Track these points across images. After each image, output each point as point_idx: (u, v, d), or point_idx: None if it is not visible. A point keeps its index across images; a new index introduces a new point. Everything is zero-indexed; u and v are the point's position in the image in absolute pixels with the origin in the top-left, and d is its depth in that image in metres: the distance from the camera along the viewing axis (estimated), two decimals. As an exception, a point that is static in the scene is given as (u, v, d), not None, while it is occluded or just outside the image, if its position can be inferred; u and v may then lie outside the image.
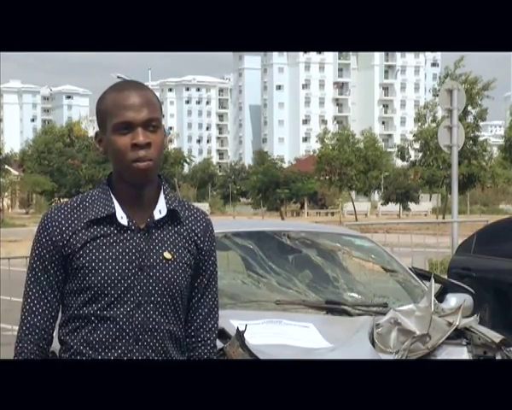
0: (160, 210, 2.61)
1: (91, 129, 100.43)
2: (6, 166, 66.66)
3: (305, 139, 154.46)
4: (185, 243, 2.63)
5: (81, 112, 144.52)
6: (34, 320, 2.60)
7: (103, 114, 2.58)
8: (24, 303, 2.63)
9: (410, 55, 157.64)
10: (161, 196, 2.63)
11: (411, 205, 61.41)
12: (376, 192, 70.63)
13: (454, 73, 42.13)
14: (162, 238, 2.60)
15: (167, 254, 2.59)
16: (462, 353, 5.08)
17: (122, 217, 2.57)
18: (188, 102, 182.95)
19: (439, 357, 5.01)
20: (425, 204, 64.29)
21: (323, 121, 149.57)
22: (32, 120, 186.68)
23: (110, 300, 2.54)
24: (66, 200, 2.80)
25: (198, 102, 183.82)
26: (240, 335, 4.64)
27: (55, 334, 2.65)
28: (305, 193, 63.18)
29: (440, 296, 5.85)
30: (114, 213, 2.57)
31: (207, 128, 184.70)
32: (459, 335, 5.16)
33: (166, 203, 2.62)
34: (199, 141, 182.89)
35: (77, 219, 2.58)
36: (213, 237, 2.72)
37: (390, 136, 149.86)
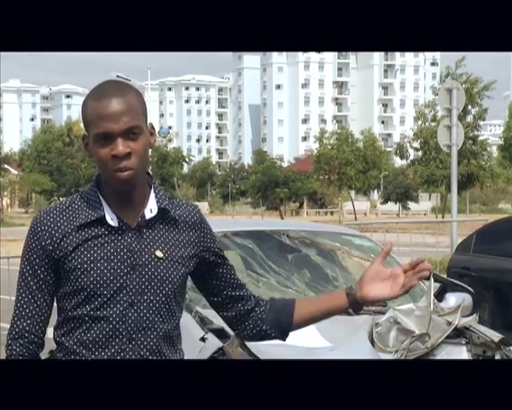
0: (151, 209, 2.61)
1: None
2: (5, 166, 66.67)
3: (305, 139, 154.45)
4: (176, 240, 2.63)
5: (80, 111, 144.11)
6: (23, 324, 2.60)
7: (85, 122, 2.58)
8: (14, 307, 2.64)
9: (409, 55, 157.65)
10: (152, 195, 2.63)
11: (411, 204, 61.47)
12: (376, 191, 70.67)
13: (455, 72, 42.16)
14: (154, 237, 2.60)
15: (159, 253, 2.58)
16: (461, 352, 5.09)
17: (112, 218, 2.57)
18: (187, 101, 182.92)
19: (438, 356, 5.02)
20: (424, 203, 64.33)
21: (323, 121, 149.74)
22: (32, 120, 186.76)
23: (103, 300, 2.54)
24: (60, 200, 2.82)
25: (197, 102, 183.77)
26: (239, 334, 4.64)
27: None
28: (305, 192, 63.22)
29: (440, 296, 5.85)
30: (104, 216, 2.57)
31: (207, 127, 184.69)
32: (458, 334, 5.17)
33: (157, 202, 2.62)
34: (198, 140, 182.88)
35: (66, 222, 2.58)
36: (209, 227, 2.73)
37: (389, 135, 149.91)
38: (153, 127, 2.64)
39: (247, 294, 2.79)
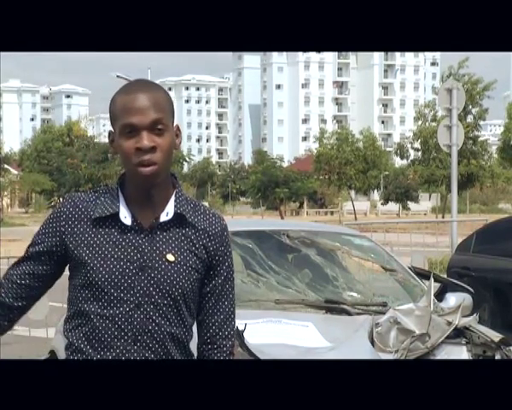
0: (168, 213, 2.60)
1: (91, 128, 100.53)
2: (5, 166, 66.61)
3: (305, 139, 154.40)
4: (192, 246, 2.61)
5: (80, 111, 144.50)
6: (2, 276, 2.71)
7: (113, 116, 2.59)
8: None
9: (409, 55, 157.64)
10: (172, 198, 2.62)
11: (411, 204, 61.45)
12: (376, 191, 70.65)
13: (458, 72, 42.21)
14: (167, 240, 2.58)
15: (170, 257, 2.57)
16: (461, 352, 5.09)
17: (126, 217, 2.58)
18: (187, 101, 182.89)
19: (438, 356, 5.02)
20: (424, 203, 64.31)
21: (323, 121, 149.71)
22: (32, 120, 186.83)
23: (110, 298, 2.55)
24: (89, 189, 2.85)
25: (197, 102, 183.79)
26: (239, 334, 4.64)
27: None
28: (305, 192, 63.16)
29: (440, 296, 5.85)
30: (118, 213, 2.58)
31: (207, 127, 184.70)
32: (458, 334, 5.17)
33: (175, 206, 2.61)
34: (198, 140, 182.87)
35: (85, 211, 2.60)
36: (228, 243, 2.69)
37: (389, 135, 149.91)
38: (179, 129, 2.64)
39: (222, 334, 2.69)
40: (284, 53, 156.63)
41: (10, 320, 2.70)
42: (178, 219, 2.61)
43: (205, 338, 2.69)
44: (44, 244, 2.64)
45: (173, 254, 2.58)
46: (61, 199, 66.16)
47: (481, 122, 48.13)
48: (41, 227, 2.67)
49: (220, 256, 2.67)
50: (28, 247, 2.69)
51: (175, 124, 2.62)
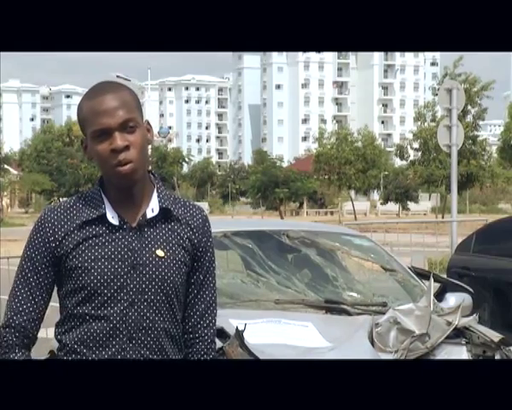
0: (153, 209, 2.62)
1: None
2: (5, 166, 66.62)
3: (305, 139, 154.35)
4: (179, 240, 2.63)
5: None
6: (20, 320, 2.60)
7: (82, 123, 2.60)
8: (11, 302, 2.63)
9: (409, 55, 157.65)
10: (154, 194, 2.64)
11: (411, 204, 61.47)
12: (376, 191, 70.62)
13: (453, 72, 42.18)
14: (155, 236, 2.61)
15: (160, 252, 2.59)
16: (461, 352, 5.09)
17: (113, 217, 2.59)
18: (187, 101, 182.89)
19: (438, 356, 5.02)
20: (424, 203, 64.32)
21: (323, 121, 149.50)
22: (32, 120, 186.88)
23: (103, 299, 2.55)
24: (64, 199, 2.81)
25: (197, 102, 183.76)
26: (239, 334, 4.64)
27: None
28: (305, 192, 63.15)
29: (440, 296, 5.85)
30: (105, 214, 2.59)
31: (207, 127, 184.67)
32: (458, 334, 5.17)
33: (159, 202, 2.63)
34: (198, 140, 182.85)
35: (70, 221, 2.60)
36: (210, 233, 2.72)
37: (389, 135, 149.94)
38: (149, 124, 2.66)
39: (204, 322, 2.71)
40: (284, 53, 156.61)
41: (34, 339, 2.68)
42: (164, 214, 2.63)
43: (186, 328, 2.71)
44: (36, 258, 2.60)
45: (162, 250, 2.60)
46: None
47: (481, 122, 48.05)
48: (28, 244, 2.62)
49: (203, 248, 2.69)
50: (21, 277, 2.62)
51: (144, 120, 2.63)
